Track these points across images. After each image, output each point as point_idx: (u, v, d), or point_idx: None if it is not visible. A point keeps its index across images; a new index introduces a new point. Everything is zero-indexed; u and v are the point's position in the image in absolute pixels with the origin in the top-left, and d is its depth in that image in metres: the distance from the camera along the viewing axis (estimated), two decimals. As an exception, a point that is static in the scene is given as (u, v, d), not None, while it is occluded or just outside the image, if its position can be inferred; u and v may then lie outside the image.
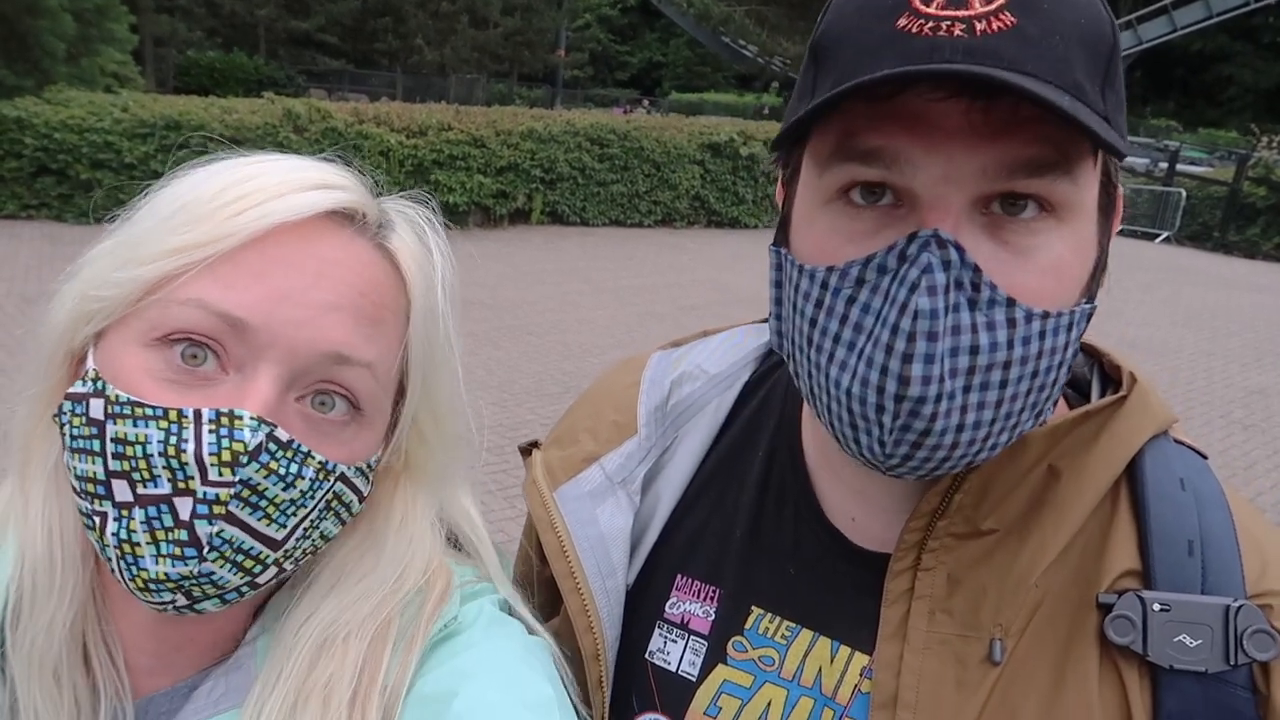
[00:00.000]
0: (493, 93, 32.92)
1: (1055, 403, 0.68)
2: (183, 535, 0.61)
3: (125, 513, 0.62)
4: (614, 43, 49.86)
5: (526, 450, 0.92)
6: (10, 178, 10.53)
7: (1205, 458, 0.75)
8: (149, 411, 0.62)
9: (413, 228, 0.75)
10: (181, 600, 0.63)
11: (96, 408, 0.63)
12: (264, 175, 0.68)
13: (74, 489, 0.65)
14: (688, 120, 15.69)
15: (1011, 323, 0.60)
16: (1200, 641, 0.65)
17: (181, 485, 0.61)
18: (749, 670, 0.77)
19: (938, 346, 0.58)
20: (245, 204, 0.65)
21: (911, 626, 0.70)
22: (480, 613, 0.74)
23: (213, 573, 0.63)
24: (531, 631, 0.76)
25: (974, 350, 0.59)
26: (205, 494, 0.61)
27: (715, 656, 0.78)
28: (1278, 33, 41.69)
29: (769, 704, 0.75)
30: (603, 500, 0.82)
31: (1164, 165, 20.36)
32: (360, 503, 0.72)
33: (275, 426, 0.63)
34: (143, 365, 0.63)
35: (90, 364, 0.65)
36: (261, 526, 0.64)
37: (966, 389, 0.60)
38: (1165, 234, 18.03)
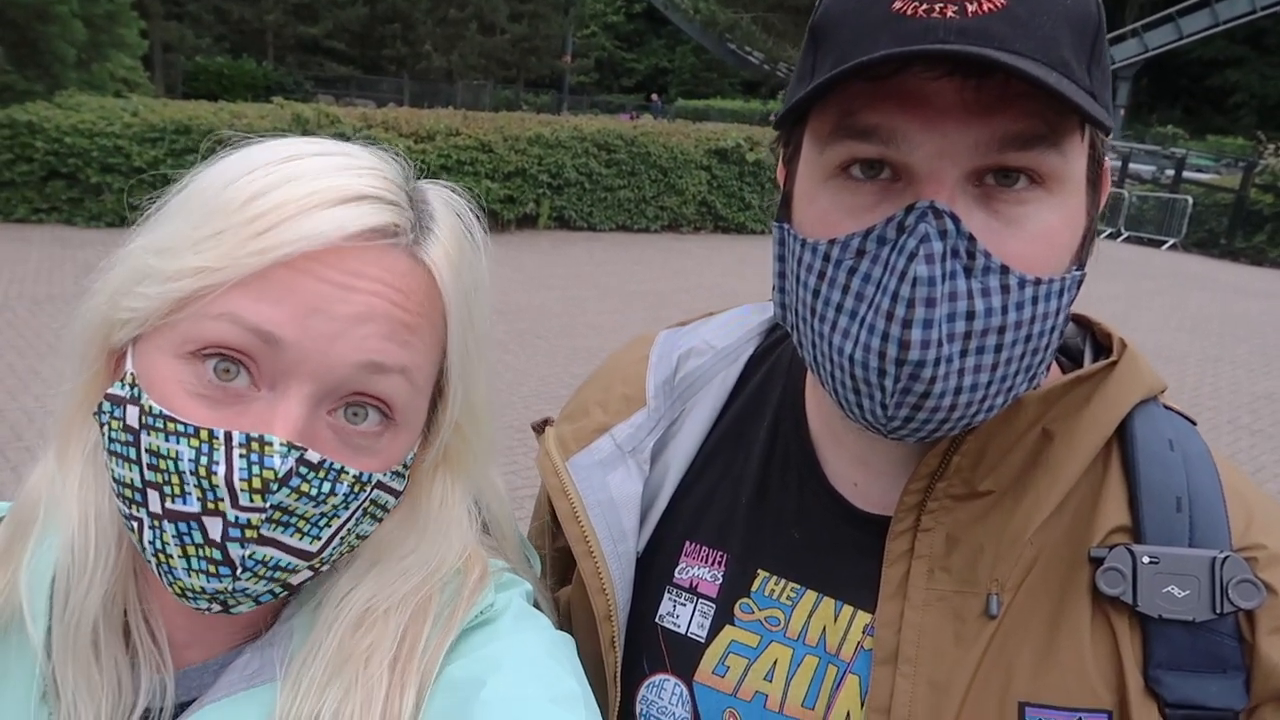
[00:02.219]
0: (499, 98, 33.05)
1: (1049, 367, 0.71)
2: (215, 554, 0.62)
3: (157, 523, 0.63)
4: (620, 49, 50.01)
5: (539, 428, 0.95)
6: (21, 182, 10.60)
7: (1194, 423, 0.78)
8: (180, 428, 0.62)
9: (451, 226, 0.72)
10: (217, 608, 0.65)
11: (133, 415, 0.63)
12: (295, 184, 0.65)
13: (113, 489, 0.66)
14: (694, 126, 15.74)
15: (1005, 289, 0.63)
16: (1188, 592, 0.68)
17: (211, 506, 0.61)
18: (755, 631, 0.79)
19: (936, 312, 0.61)
20: (273, 219, 0.63)
21: (911, 585, 0.73)
22: (510, 604, 0.75)
23: (246, 588, 0.64)
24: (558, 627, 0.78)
25: (970, 315, 0.62)
26: (236, 518, 0.61)
27: (723, 618, 0.81)
28: (1284, 40, 41.65)
29: (775, 662, 0.78)
30: (613, 468, 0.85)
31: (1170, 172, 20.37)
32: (395, 500, 0.72)
33: (305, 450, 0.62)
34: (176, 377, 0.63)
35: (129, 366, 0.65)
36: (294, 541, 0.65)
37: (964, 353, 0.63)
38: (1172, 241, 18.01)
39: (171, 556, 0.62)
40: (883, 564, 0.75)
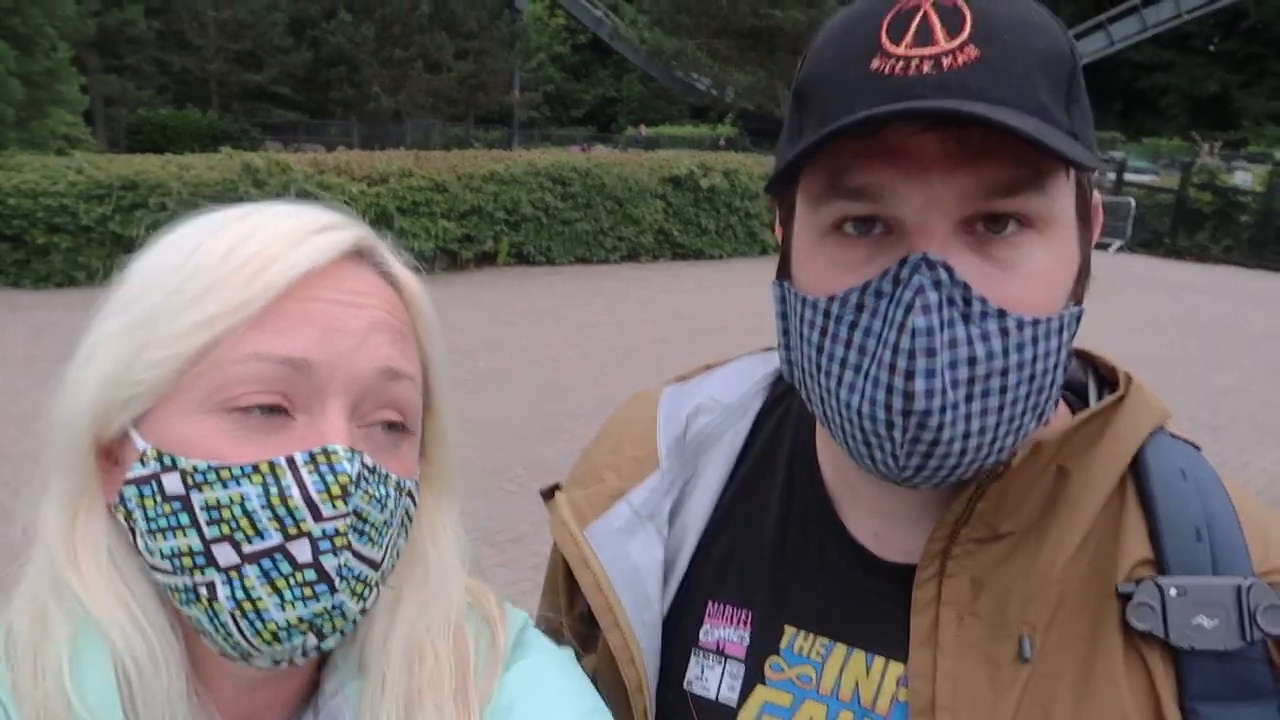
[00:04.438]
0: (449, 136, 33.03)
1: (1056, 403, 0.72)
2: (310, 575, 0.63)
3: (234, 574, 0.62)
4: (568, 81, 50.32)
5: (549, 494, 0.94)
6: (-35, 247, 10.38)
7: (1199, 449, 0.79)
8: (237, 471, 0.62)
9: (392, 249, 0.77)
10: (312, 640, 0.65)
11: (173, 483, 0.63)
12: (268, 228, 0.69)
13: (162, 569, 0.65)
14: (647, 155, 15.87)
15: (1004, 332, 0.64)
16: (1216, 622, 0.69)
17: (293, 531, 0.62)
18: (788, 689, 0.79)
19: (937, 361, 0.62)
20: (264, 259, 0.66)
21: (941, 632, 0.73)
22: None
23: (343, 604, 0.64)
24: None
25: (972, 361, 0.63)
26: (324, 530, 0.62)
27: (753, 678, 0.80)
28: (1208, 41, 43.15)
29: None
30: (633, 535, 0.84)
31: (1112, 176, 20.89)
32: (415, 512, 0.74)
33: (363, 454, 0.65)
34: (212, 430, 0.64)
35: (142, 445, 0.65)
36: (367, 551, 0.66)
37: (969, 398, 0.64)
38: (1118, 243, 18.44)
39: (260, 599, 0.62)
40: (910, 612, 0.75)
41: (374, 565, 0.67)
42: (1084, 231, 0.71)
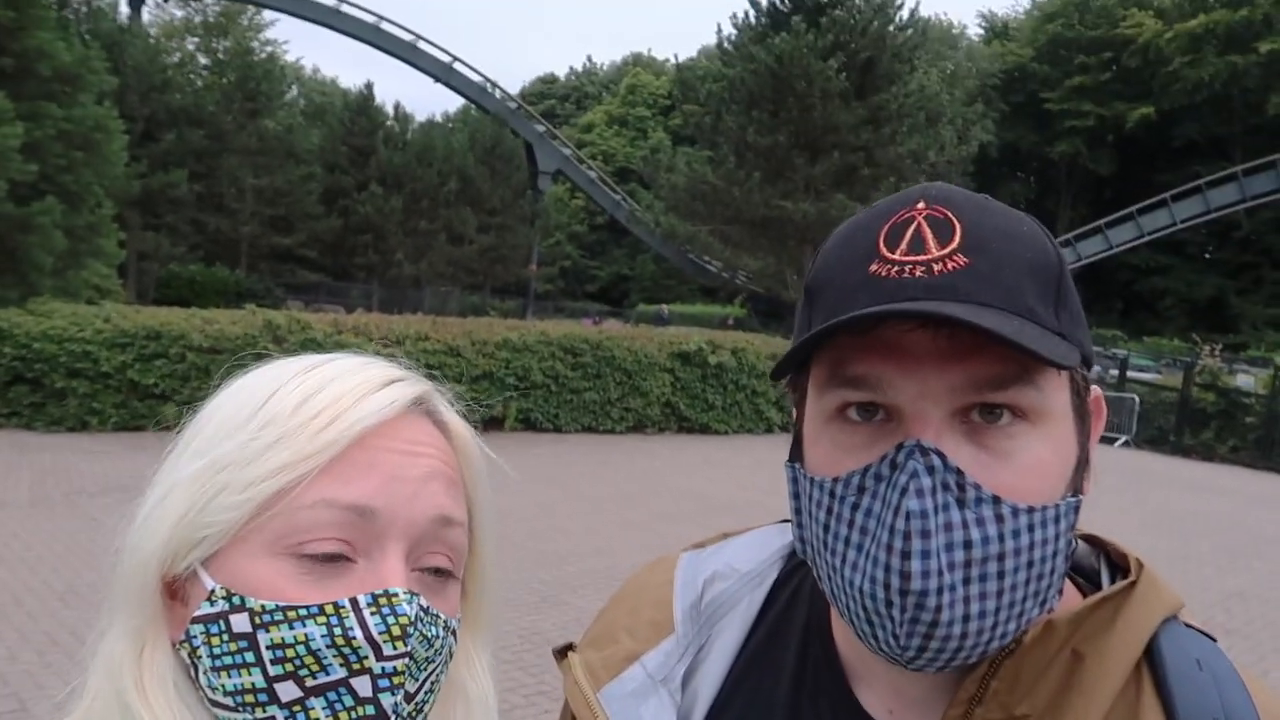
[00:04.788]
0: (466, 303, 34.04)
1: (1060, 591, 0.73)
2: (369, 710, 0.65)
3: (297, 708, 0.65)
4: (584, 257, 52.22)
5: (561, 653, 0.94)
6: (-16, 387, 10.54)
7: (1214, 640, 0.80)
8: (303, 612, 0.65)
9: (444, 403, 0.81)
10: None
11: (240, 622, 0.66)
12: (337, 381, 0.74)
13: (224, 705, 0.67)
14: (657, 330, 16.27)
15: (1000, 518, 0.66)
16: None
17: (357, 667, 0.65)
18: None
19: (932, 543, 0.65)
20: (334, 411, 0.71)
21: None
22: None
23: None
24: None
25: (968, 544, 0.65)
26: (384, 668, 0.65)
27: None
28: (1203, 249, 44.85)
29: None
30: (646, 699, 0.84)
31: (1115, 372, 21.23)
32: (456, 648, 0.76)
33: (419, 596, 0.68)
34: (279, 572, 0.67)
35: (210, 584, 0.68)
36: (410, 686, 0.68)
37: (966, 580, 0.66)
38: (1124, 439, 18.52)
39: None
40: None
41: (409, 698, 0.69)
42: (1081, 425, 0.74)
